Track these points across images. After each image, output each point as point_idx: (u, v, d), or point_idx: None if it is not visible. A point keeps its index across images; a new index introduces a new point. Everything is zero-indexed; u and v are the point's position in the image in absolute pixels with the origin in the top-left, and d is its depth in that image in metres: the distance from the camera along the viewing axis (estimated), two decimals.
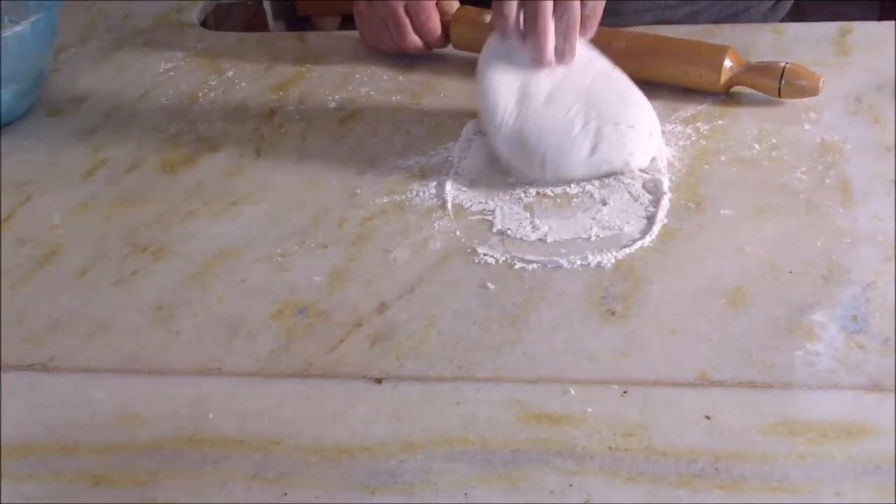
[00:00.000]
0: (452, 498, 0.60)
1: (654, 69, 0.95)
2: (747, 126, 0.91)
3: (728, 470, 0.60)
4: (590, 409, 0.65)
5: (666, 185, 0.84)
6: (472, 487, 0.61)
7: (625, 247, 0.78)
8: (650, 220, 0.81)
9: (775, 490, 0.59)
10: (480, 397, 0.67)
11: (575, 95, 0.86)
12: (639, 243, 0.78)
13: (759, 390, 0.66)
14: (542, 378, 0.68)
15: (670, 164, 0.87)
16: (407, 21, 1.00)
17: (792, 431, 0.63)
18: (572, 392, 0.66)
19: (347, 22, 0.99)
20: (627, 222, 0.81)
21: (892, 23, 1.03)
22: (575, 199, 0.84)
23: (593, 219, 0.82)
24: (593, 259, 0.77)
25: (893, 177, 0.83)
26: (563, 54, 0.85)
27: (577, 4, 0.84)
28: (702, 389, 0.66)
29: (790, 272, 0.74)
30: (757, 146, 0.87)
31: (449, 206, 0.84)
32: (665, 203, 0.82)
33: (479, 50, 0.91)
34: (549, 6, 0.83)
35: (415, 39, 1.01)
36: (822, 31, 1.03)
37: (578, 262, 0.77)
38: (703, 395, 0.66)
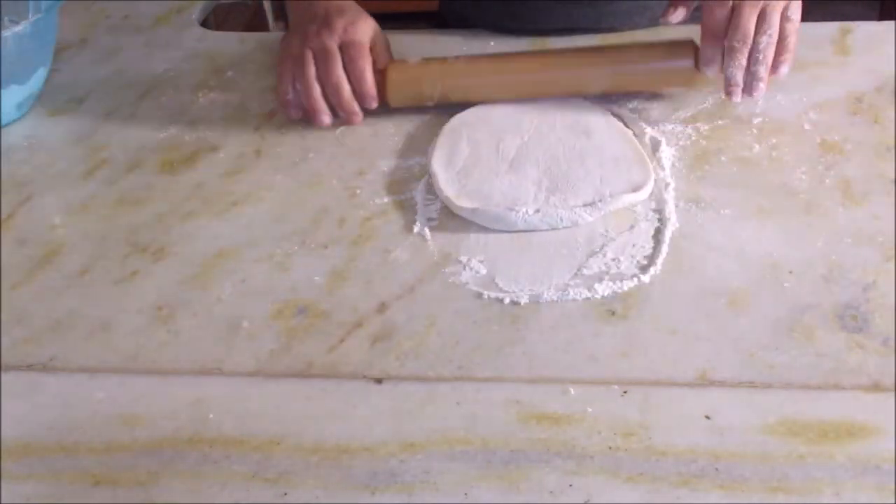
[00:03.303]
0: (452, 498, 0.60)
1: (625, 85, 0.94)
2: (747, 126, 0.91)
3: (728, 470, 0.60)
4: (590, 409, 0.65)
5: (666, 185, 0.84)
6: (472, 487, 0.61)
7: None
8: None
9: (775, 490, 0.59)
10: (480, 397, 0.67)
11: (537, 166, 0.86)
12: None
13: (759, 390, 0.66)
14: (542, 378, 0.68)
15: (671, 165, 0.87)
16: (339, 58, 0.92)
17: (792, 431, 0.63)
18: (572, 392, 0.66)
19: None
20: None
21: (892, 23, 1.03)
22: None
23: None
24: None
25: (893, 177, 0.83)
26: (751, 89, 0.87)
27: (773, 46, 0.85)
28: (702, 389, 0.66)
29: (790, 272, 0.74)
30: (757, 146, 0.87)
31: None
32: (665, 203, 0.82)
33: (416, 105, 0.95)
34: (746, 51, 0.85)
35: (346, 88, 0.92)
36: (822, 31, 1.03)
37: None
38: (703, 395, 0.66)
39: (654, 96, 0.97)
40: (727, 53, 0.85)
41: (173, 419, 0.67)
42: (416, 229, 0.82)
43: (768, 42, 0.84)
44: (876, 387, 0.65)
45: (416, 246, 0.80)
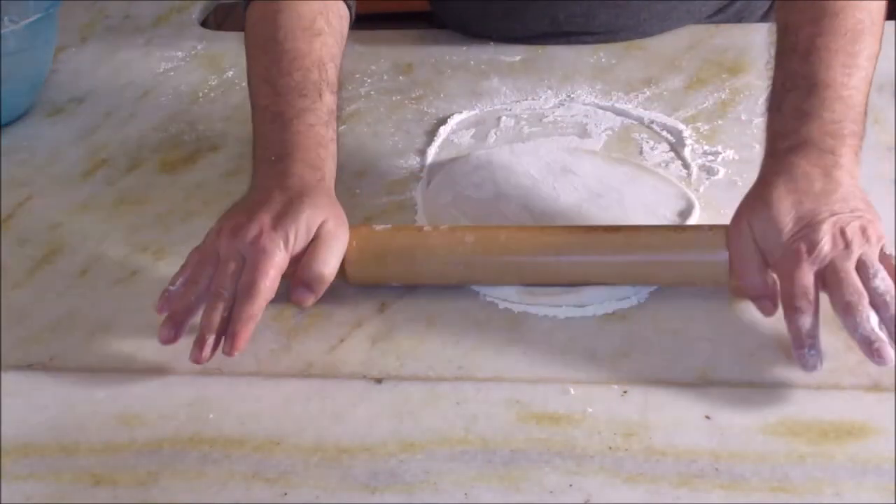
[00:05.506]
0: (452, 498, 0.60)
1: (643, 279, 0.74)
2: (747, 126, 0.91)
3: (728, 470, 0.60)
4: (590, 409, 0.65)
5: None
6: (472, 487, 0.61)
7: None
8: None
9: (775, 490, 0.59)
10: (480, 397, 0.67)
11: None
12: None
13: (759, 390, 0.66)
14: (542, 378, 0.68)
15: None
16: (230, 269, 0.70)
17: (792, 431, 0.62)
18: (572, 392, 0.66)
19: None
20: None
21: (893, 23, 1.03)
22: None
23: None
24: None
25: (893, 177, 0.83)
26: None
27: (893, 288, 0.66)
28: (702, 389, 0.66)
29: None
30: (757, 146, 0.87)
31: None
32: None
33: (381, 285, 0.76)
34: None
35: (218, 308, 0.69)
36: None
37: None
38: (703, 395, 0.65)
39: (654, 96, 0.97)
40: (844, 314, 0.65)
41: (173, 419, 0.67)
42: None
43: (885, 286, 0.65)
44: (876, 387, 0.65)
45: None
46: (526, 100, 0.98)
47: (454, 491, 0.61)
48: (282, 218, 0.71)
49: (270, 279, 0.69)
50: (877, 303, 0.65)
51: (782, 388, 0.66)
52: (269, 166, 0.76)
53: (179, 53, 1.12)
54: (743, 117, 0.92)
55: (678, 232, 0.74)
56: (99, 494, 0.62)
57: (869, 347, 0.63)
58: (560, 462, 0.62)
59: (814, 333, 0.65)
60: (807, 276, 0.66)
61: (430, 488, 0.61)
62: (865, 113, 0.74)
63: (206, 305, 0.70)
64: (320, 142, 0.77)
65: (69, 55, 1.13)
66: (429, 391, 0.67)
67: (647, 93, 0.97)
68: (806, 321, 0.65)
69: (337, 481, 0.62)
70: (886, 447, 0.61)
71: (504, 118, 0.95)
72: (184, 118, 1.00)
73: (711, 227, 0.73)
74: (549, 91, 0.99)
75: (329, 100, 0.79)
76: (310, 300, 0.71)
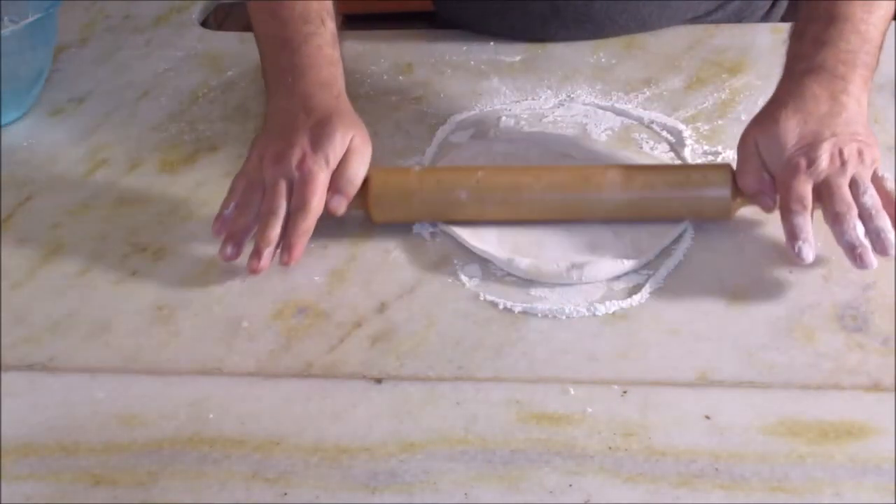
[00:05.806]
0: (452, 498, 0.60)
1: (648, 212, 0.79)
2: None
3: (728, 470, 0.60)
4: (590, 409, 0.65)
5: None
6: (472, 487, 0.61)
7: None
8: None
9: (775, 490, 0.59)
10: (480, 397, 0.67)
11: None
12: None
13: (759, 390, 0.66)
14: (542, 378, 0.68)
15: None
16: (283, 194, 0.77)
17: (792, 431, 0.63)
18: (572, 392, 0.66)
19: (347, 22, 0.98)
20: None
21: (892, 22, 1.03)
22: None
23: None
24: None
25: (893, 176, 0.83)
26: (883, 244, 0.72)
27: (880, 204, 0.72)
28: (702, 389, 0.66)
29: (790, 272, 0.74)
30: None
31: None
32: None
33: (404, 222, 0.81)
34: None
35: (272, 227, 0.76)
36: None
37: None
38: (703, 395, 0.66)
39: (654, 97, 0.97)
40: (833, 223, 0.72)
41: (173, 419, 0.67)
42: (415, 229, 0.81)
43: (873, 201, 0.72)
44: (876, 387, 0.65)
45: (415, 246, 0.80)
46: (526, 100, 0.98)
47: (454, 491, 0.61)
48: (320, 140, 0.78)
49: (318, 197, 0.77)
50: (863, 216, 0.72)
51: (782, 388, 0.66)
52: (287, 89, 0.83)
53: (179, 53, 1.11)
54: (743, 117, 0.92)
55: (687, 169, 0.82)
56: (99, 494, 0.62)
57: (852, 252, 0.71)
58: (560, 462, 0.62)
59: (806, 229, 0.72)
60: (804, 186, 0.73)
61: (430, 488, 0.61)
62: (881, 47, 0.80)
63: (260, 223, 0.77)
64: (330, 61, 0.84)
65: (69, 55, 1.13)
66: (429, 391, 0.67)
67: (647, 93, 0.97)
68: (799, 219, 0.72)
69: (337, 481, 0.62)
70: (886, 447, 0.61)
71: (504, 118, 0.95)
72: (184, 118, 1.00)
73: (717, 165, 0.81)
74: (549, 91, 0.99)
75: (331, 25, 0.86)
76: (344, 205, 0.78)
